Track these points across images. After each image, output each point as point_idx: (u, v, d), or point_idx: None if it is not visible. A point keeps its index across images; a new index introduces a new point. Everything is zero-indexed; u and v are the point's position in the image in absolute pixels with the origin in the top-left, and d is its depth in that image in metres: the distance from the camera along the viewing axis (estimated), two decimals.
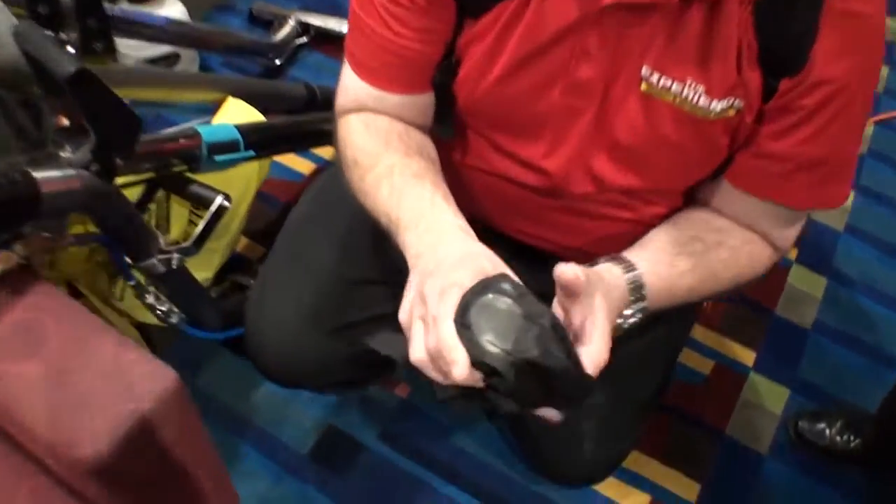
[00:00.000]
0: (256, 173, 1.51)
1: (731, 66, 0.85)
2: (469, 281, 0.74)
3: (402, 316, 0.78)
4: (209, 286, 1.60)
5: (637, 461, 1.57)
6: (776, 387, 1.72)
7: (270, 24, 2.35)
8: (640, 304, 0.90)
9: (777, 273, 1.91)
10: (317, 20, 2.35)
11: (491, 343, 0.71)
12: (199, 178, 1.31)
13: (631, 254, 0.94)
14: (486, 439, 1.58)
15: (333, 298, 1.15)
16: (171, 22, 1.75)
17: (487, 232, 0.99)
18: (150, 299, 1.30)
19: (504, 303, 0.73)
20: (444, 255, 0.79)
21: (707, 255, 0.96)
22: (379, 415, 1.61)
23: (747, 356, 1.76)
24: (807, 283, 1.91)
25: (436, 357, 0.72)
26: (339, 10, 2.40)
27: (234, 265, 1.72)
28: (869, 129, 2.28)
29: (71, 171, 1.00)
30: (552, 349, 0.71)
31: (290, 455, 1.55)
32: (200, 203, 1.27)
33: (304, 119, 1.47)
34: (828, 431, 1.59)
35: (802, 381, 1.74)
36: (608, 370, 1.13)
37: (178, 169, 1.26)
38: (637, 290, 0.89)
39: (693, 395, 1.68)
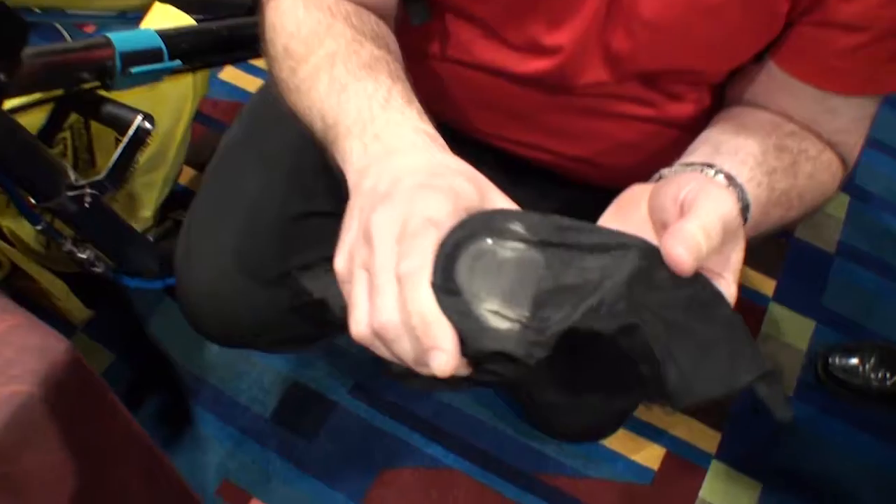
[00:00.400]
0: (191, 91, 1.30)
1: None
2: (447, 214, 0.49)
3: (339, 262, 0.53)
4: (150, 227, 1.39)
5: (649, 410, 1.38)
6: (800, 318, 1.53)
7: None
8: None
9: None
10: None
11: (496, 313, 0.47)
12: (123, 98, 1.09)
13: (731, 165, 0.65)
14: (474, 391, 1.38)
15: (274, 237, 0.92)
16: None
17: (465, 142, 0.76)
18: (69, 245, 1.09)
19: (512, 249, 0.48)
20: (402, 171, 0.53)
21: (795, 171, 0.71)
22: (350, 366, 1.40)
23: (766, 285, 1.56)
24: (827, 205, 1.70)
25: (397, 336, 0.48)
26: None
27: (180, 200, 1.50)
28: None
29: None
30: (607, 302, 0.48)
31: (250, 417, 1.35)
32: (116, 126, 1.05)
33: (243, 22, 1.23)
34: (861, 368, 1.40)
35: (828, 312, 1.54)
36: None
37: (90, 86, 1.03)
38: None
39: None
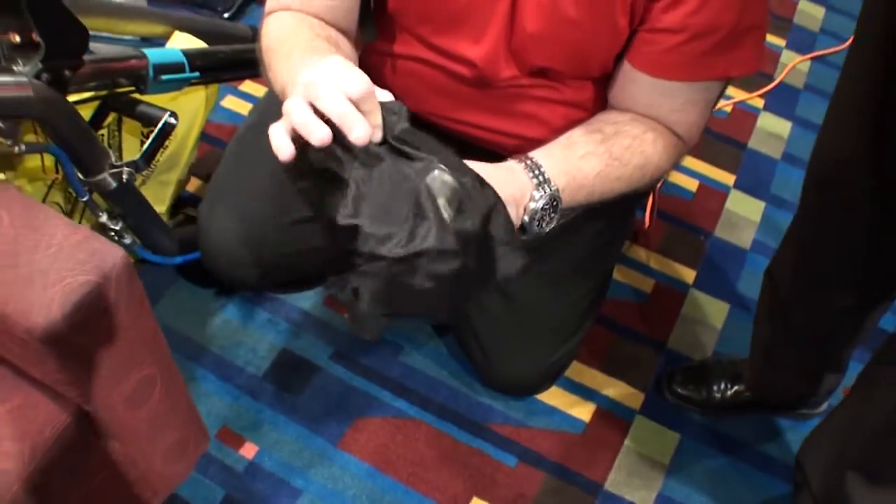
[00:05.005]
0: (203, 103, 1.56)
1: None
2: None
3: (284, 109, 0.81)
4: (165, 220, 1.65)
5: (581, 373, 1.64)
6: (716, 302, 1.79)
7: None
8: (547, 188, 0.94)
9: (715, 198, 1.99)
10: None
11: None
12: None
13: (548, 155, 0.99)
14: (435, 357, 1.64)
15: (279, 195, 1.20)
16: None
17: (426, 127, 1.04)
18: (104, 218, 1.34)
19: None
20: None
21: (608, 142, 1.01)
22: (331, 337, 1.66)
23: (688, 274, 1.83)
24: (744, 208, 1.98)
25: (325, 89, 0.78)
26: None
27: (188, 202, 1.78)
28: (806, 65, 2.36)
29: (23, 78, 1.04)
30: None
31: (246, 377, 1.60)
32: (149, 121, 1.32)
33: (244, 47, 1.52)
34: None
35: (741, 297, 1.81)
36: (547, 272, 1.21)
37: (126, 90, 1.31)
38: (534, 168, 0.94)
39: (635, 312, 1.75)
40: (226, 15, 2.28)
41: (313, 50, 0.96)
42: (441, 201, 0.76)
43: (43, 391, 1.01)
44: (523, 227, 0.93)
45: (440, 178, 0.78)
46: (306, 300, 1.71)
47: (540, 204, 0.92)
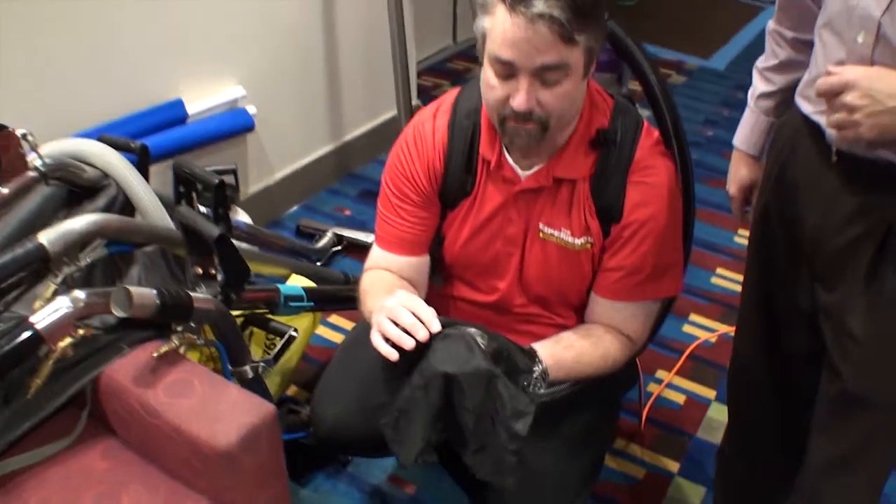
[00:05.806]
0: (311, 326, 2.17)
1: (582, 217, 1.53)
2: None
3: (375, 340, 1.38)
4: None
5: None
6: (696, 486, 2.26)
7: (313, 236, 3.10)
8: (540, 365, 1.47)
9: (698, 408, 2.50)
10: (349, 233, 3.11)
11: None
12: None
13: (547, 345, 1.56)
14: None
15: (370, 388, 1.68)
16: (248, 226, 2.46)
17: None
18: None
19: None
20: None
21: (582, 340, 1.58)
22: None
23: (673, 465, 2.31)
24: (722, 415, 2.44)
25: (401, 312, 1.36)
26: (364, 227, 3.18)
27: (286, 402, 2.35)
28: None
29: (209, 297, 1.66)
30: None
31: None
32: (277, 333, 1.92)
33: (341, 287, 2.16)
34: None
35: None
36: (554, 447, 1.74)
37: (263, 311, 1.92)
38: (531, 353, 1.49)
39: (627, 492, 2.22)
40: (318, 263, 2.95)
41: (388, 292, 1.54)
42: (478, 338, 1.35)
43: (205, 496, 1.53)
44: (523, 390, 1.48)
45: (474, 329, 1.37)
46: (375, 478, 2.22)
47: (534, 375, 1.47)
